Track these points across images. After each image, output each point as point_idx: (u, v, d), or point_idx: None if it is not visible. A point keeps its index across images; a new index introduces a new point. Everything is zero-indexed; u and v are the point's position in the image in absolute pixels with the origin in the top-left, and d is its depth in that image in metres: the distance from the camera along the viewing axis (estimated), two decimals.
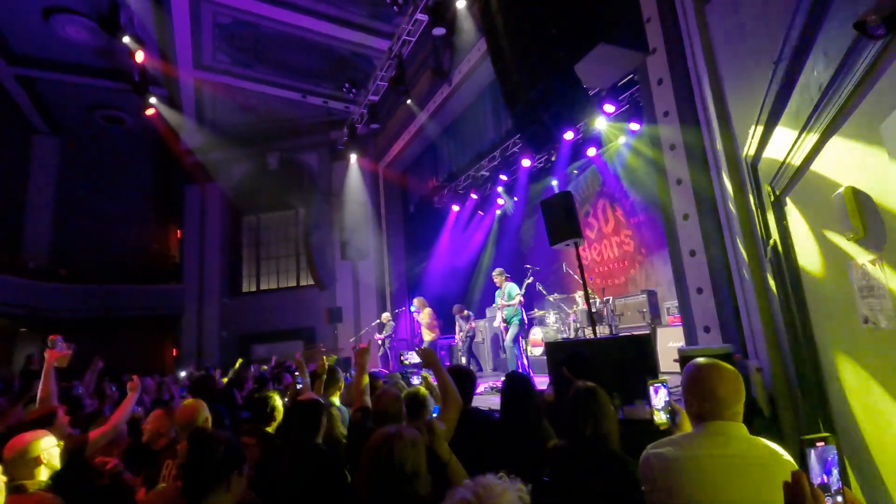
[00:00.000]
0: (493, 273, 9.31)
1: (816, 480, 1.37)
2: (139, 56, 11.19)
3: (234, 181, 17.94)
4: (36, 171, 16.78)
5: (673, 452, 1.88)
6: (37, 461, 2.62)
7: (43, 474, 2.64)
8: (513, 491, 1.40)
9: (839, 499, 1.36)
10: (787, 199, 2.87)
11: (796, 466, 1.57)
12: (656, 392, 2.94)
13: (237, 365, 8.62)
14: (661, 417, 2.94)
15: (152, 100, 12.94)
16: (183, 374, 10.21)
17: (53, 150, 17.20)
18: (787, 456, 1.73)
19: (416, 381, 4.49)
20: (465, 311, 11.46)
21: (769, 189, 3.10)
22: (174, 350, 17.10)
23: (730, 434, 1.81)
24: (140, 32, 11.42)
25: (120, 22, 10.71)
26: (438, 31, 10.07)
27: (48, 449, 2.70)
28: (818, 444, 1.39)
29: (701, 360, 1.98)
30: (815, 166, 2.18)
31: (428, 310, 11.31)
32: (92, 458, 3.33)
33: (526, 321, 8.88)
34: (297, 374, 5.48)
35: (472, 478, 1.52)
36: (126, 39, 10.86)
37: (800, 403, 3.34)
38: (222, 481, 1.86)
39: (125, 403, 3.73)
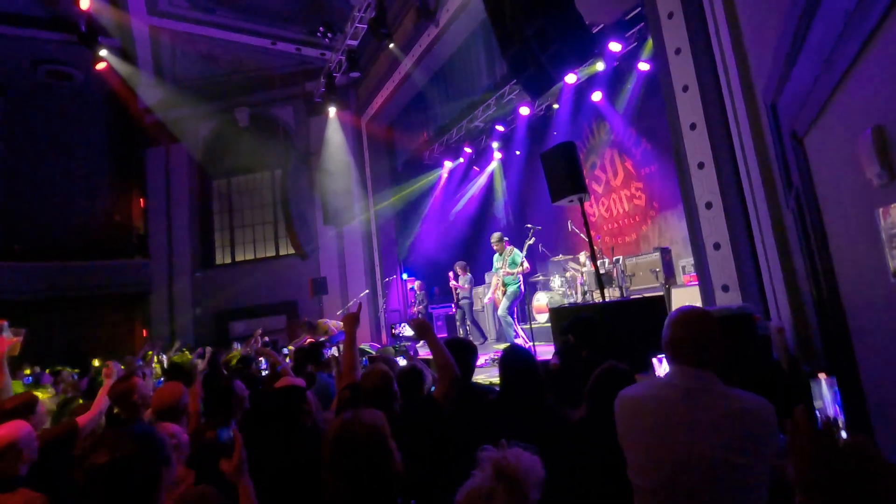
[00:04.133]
0: (491, 238, 9.26)
1: (826, 412, 1.39)
2: (84, 2, 10.88)
3: (201, 141, 17.75)
4: None
5: (635, 393, 2.06)
6: (18, 455, 2.66)
7: (23, 469, 2.69)
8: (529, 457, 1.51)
9: (844, 434, 1.38)
10: (810, 143, 2.86)
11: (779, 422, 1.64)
12: (660, 362, 2.98)
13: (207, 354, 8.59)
14: None
15: (103, 52, 12.63)
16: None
17: None
18: (772, 413, 1.78)
19: (401, 362, 4.51)
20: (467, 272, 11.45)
21: (791, 131, 3.08)
22: (144, 330, 17.15)
23: (693, 379, 1.90)
24: None
25: None
26: None
27: (30, 441, 2.76)
28: (820, 375, 1.40)
29: (687, 307, 2.12)
30: (840, 105, 2.16)
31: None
32: (82, 445, 3.40)
33: (523, 291, 8.85)
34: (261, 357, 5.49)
35: (468, 457, 1.58)
36: None
37: (824, 366, 3.39)
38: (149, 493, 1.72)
39: (104, 390, 3.77)
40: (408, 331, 7.64)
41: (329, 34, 13.71)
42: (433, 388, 3.52)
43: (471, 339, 8.96)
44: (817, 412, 1.40)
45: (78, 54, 13.92)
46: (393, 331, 7.96)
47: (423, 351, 4.75)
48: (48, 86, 16.63)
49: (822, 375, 1.37)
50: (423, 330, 3.18)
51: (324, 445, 1.89)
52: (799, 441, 1.12)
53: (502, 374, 3.14)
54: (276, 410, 2.96)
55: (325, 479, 1.84)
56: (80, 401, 4.60)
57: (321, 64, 15.12)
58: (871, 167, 1.83)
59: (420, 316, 12.30)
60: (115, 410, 3.61)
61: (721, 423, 1.77)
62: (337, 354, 5.34)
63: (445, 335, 12.27)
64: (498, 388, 3.94)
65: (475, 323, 11.41)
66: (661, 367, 2.95)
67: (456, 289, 11.34)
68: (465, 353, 3.49)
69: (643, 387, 2.10)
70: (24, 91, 16.72)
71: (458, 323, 11.66)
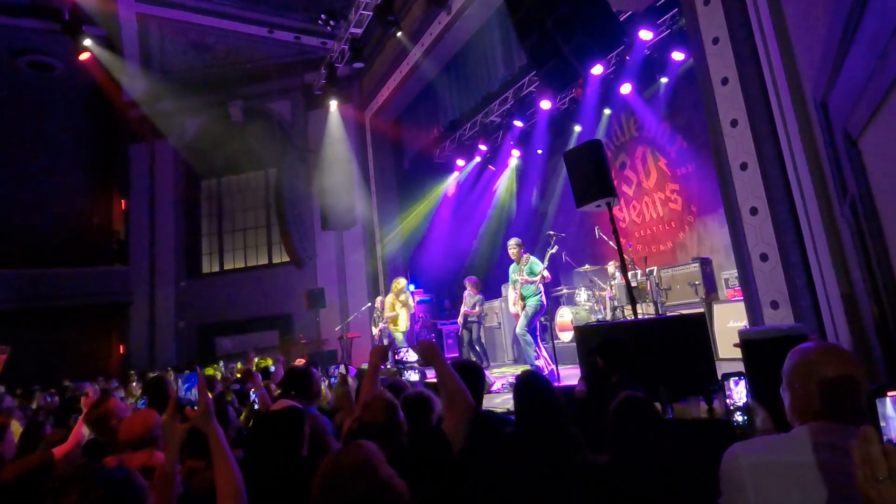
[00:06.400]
0: (509, 243, 9.18)
1: (890, 433, 1.36)
2: None
3: (190, 137, 17.84)
4: None
5: (769, 457, 1.79)
6: None
7: None
8: None
9: None
10: (866, 144, 2.84)
11: None
12: (736, 384, 2.91)
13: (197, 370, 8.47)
14: (738, 417, 2.92)
15: (87, 41, 12.82)
16: None
17: None
18: None
19: (413, 376, 4.48)
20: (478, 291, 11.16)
21: (844, 131, 3.06)
22: (121, 346, 17.21)
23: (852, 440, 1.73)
24: None
25: None
26: None
27: None
28: (890, 393, 1.37)
29: (813, 344, 1.89)
30: None
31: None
32: (54, 481, 3.37)
33: (545, 304, 8.61)
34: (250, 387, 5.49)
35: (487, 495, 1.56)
36: None
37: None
38: None
39: (83, 418, 3.74)
40: (412, 355, 7.52)
41: (331, 22, 13.81)
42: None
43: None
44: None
45: (60, 44, 14.11)
46: (396, 356, 7.75)
47: (429, 373, 4.72)
48: (27, 77, 16.76)
49: (891, 394, 1.33)
50: (431, 354, 3.10)
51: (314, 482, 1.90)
52: (866, 460, 1.10)
53: (517, 405, 3.10)
54: (271, 433, 2.96)
55: None
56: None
57: (322, 53, 15.20)
58: None
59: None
60: (91, 436, 3.59)
61: None
62: (344, 373, 5.32)
63: (457, 354, 12.20)
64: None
65: (481, 345, 11.14)
66: (738, 391, 2.86)
67: (466, 313, 11.02)
68: (471, 378, 3.36)
69: (774, 448, 1.82)
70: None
71: (464, 345, 11.33)
